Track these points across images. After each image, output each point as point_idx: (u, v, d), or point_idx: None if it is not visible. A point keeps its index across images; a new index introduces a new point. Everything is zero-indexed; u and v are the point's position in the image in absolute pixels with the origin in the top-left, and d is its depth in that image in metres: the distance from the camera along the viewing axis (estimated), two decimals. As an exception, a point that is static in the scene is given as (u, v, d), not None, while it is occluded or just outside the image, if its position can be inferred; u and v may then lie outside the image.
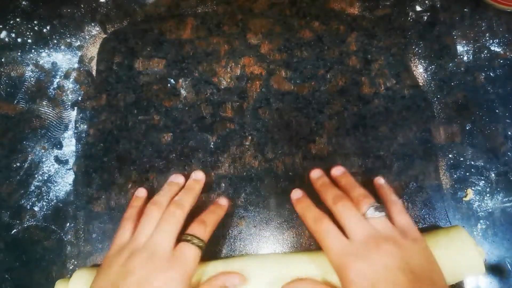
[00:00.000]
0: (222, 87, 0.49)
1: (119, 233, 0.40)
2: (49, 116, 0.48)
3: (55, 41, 0.51)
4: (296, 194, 0.42)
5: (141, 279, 0.35)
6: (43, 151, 0.47)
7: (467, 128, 0.47)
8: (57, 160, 0.47)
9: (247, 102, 0.48)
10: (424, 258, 0.35)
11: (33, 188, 0.46)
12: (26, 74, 0.49)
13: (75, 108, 0.49)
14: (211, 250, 0.44)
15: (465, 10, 0.50)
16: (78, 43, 0.51)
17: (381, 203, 0.39)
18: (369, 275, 0.33)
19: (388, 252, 0.34)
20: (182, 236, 0.38)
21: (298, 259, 0.41)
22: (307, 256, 0.41)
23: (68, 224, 0.45)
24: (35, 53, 0.50)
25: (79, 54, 0.50)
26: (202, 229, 0.39)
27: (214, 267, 0.40)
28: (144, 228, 0.39)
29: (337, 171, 0.43)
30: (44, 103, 0.49)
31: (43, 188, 0.46)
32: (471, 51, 0.49)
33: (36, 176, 0.47)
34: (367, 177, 0.45)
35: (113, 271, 0.36)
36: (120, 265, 0.36)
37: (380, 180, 0.43)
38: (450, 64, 0.49)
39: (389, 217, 0.38)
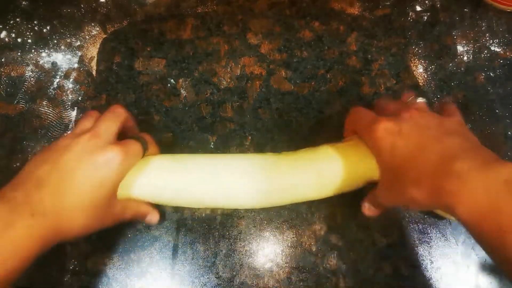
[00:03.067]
0: (222, 87, 0.49)
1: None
2: (49, 116, 0.48)
3: (55, 41, 0.51)
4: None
5: (81, 154, 0.34)
6: (43, 151, 0.47)
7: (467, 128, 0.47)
8: (57, 160, 0.47)
9: (247, 102, 0.48)
10: (460, 128, 0.35)
11: (33, 188, 0.46)
12: (26, 74, 0.49)
13: (75, 108, 0.49)
14: (211, 250, 0.44)
15: (465, 10, 0.50)
16: (78, 43, 0.51)
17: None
18: (399, 130, 0.33)
19: (421, 116, 0.34)
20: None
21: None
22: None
23: (68, 224, 0.45)
24: (35, 53, 0.50)
25: (79, 54, 0.50)
26: (149, 138, 0.41)
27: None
28: (85, 120, 0.38)
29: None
30: (44, 103, 0.49)
31: (43, 188, 0.46)
32: (471, 51, 0.49)
33: (36, 176, 0.47)
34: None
35: (54, 148, 0.36)
36: (59, 144, 0.36)
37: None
38: (450, 64, 0.49)
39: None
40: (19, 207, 0.31)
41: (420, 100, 0.38)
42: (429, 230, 0.44)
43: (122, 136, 0.39)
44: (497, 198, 0.26)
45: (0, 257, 0.29)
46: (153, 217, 0.42)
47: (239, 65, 0.49)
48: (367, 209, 0.40)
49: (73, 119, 0.48)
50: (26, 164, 0.36)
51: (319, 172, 0.40)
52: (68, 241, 0.35)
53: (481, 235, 0.27)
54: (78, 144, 0.35)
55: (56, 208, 0.33)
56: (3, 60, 0.50)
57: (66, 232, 0.34)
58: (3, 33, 0.51)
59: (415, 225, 0.44)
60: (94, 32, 0.51)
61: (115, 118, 0.38)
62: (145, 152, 0.39)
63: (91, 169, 0.34)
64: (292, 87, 0.48)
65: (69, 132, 0.48)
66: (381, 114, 0.37)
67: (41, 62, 0.50)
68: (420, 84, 0.48)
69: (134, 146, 0.38)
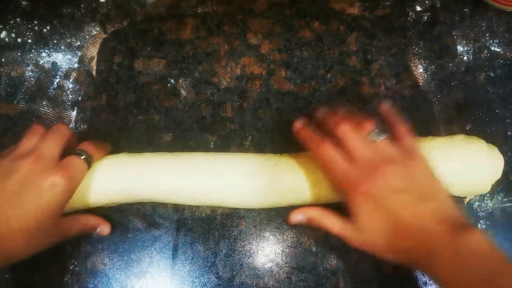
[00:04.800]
0: (222, 87, 0.49)
1: (6, 149, 0.40)
2: (49, 116, 0.48)
3: (55, 41, 0.51)
4: (299, 123, 0.42)
5: (26, 178, 0.35)
6: (43, 151, 0.47)
7: (467, 128, 0.47)
8: (57, 160, 0.47)
9: (247, 102, 0.48)
10: (427, 177, 0.36)
11: (33, 188, 0.46)
12: (26, 74, 0.49)
13: (75, 108, 0.49)
14: (211, 250, 0.44)
15: (465, 10, 0.50)
16: (78, 43, 0.51)
17: (384, 127, 0.39)
18: (374, 196, 0.35)
19: (391, 174, 0.35)
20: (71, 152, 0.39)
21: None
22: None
23: (68, 224, 0.45)
24: (35, 53, 0.50)
25: (79, 54, 0.50)
26: (92, 146, 0.40)
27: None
28: (29, 138, 0.38)
29: (322, 111, 0.42)
30: (44, 103, 0.49)
31: (43, 188, 0.46)
32: (471, 51, 0.49)
33: (36, 176, 0.47)
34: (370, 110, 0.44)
35: None
36: (3, 166, 0.36)
37: (385, 105, 0.41)
38: (450, 64, 0.49)
39: (394, 138, 0.38)
40: None
41: (383, 138, 0.37)
42: (429, 230, 0.44)
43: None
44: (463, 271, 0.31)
45: None
46: (104, 228, 0.42)
47: (239, 65, 0.49)
48: (295, 218, 0.41)
49: (73, 119, 0.48)
50: None
51: (320, 178, 0.40)
52: (12, 263, 0.35)
53: None
54: (22, 168, 0.35)
55: (1, 233, 0.33)
56: (3, 60, 0.50)
57: (10, 256, 0.35)
58: (3, 33, 0.51)
59: (415, 225, 0.44)
60: (94, 32, 0.51)
61: (58, 138, 0.38)
62: (90, 164, 0.39)
63: (35, 194, 0.35)
64: (292, 87, 0.48)
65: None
66: (330, 130, 0.38)
67: (41, 62, 0.50)
68: (420, 84, 0.48)
69: (77, 164, 0.38)
